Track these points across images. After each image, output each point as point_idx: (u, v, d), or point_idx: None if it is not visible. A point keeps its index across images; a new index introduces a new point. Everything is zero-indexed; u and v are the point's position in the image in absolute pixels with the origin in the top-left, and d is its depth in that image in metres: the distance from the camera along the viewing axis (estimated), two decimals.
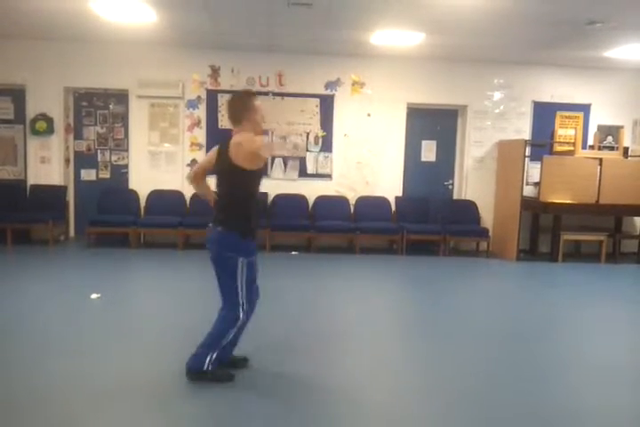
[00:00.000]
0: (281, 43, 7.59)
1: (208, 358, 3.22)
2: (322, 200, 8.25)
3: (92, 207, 7.90)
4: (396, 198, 8.42)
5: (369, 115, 8.36)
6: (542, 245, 8.37)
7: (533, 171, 8.20)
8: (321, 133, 8.31)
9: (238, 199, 3.24)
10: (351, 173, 8.41)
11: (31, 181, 8.03)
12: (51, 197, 7.89)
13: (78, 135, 8.26)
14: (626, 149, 8.32)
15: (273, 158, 8.19)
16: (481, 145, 8.55)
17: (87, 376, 3.32)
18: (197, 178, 3.45)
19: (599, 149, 8.34)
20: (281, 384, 3.32)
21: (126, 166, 8.26)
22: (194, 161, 8.12)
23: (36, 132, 7.92)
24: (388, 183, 8.42)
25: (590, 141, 8.46)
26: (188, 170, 8.07)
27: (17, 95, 7.99)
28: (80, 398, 3.04)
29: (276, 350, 3.89)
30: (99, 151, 8.28)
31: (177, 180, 8.12)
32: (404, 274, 7.07)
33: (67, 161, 8.21)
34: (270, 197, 8.14)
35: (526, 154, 7.87)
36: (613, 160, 7.88)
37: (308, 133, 8.28)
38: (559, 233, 7.80)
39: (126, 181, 8.22)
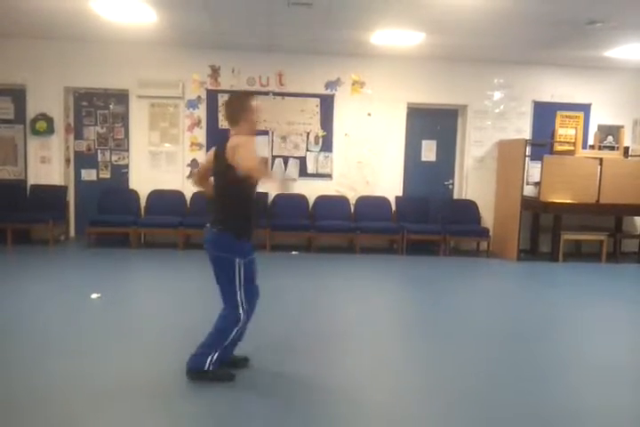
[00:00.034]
0: (281, 42, 7.59)
1: (209, 359, 3.22)
2: (322, 200, 8.25)
3: (92, 207, 7.90)
4: (397, 198, 8.42)
5: (369, 114, 8.36)
6: (543, 244, 8.37)
7: (534, 170, 8.20)
8: (321, 133, 8.31)
9: (234, 200, 3.24)
10: (351, 172, 8.41)
11: (31, 180, 8.03)
12: (51, 197, 7.89)
13: (78, 135, 8.26)
14: (626, 149, 8.32)
15: (273, 160, 8.22)
16: (481, 145, 8.55)
17: (87, 376, 3.32)
18: (202, 180, 3.50)
19: (599, 148, 8.34)
20: (281, 384, 3.32)
21: (126, 166, 8.26)
22: (194, 161, 8.14)
23: (36, 132, 7.92)
24: (389, 183, 8.42)
25: (590, 141, 8.45)
26: (188, 170, 8.15)
27: (17, 95, 7.99)
28: (80, 398, 3.04)
29: (277, 349, 3.89)
30: (99, 151, 8.28)
31: (177, 180, 8.13)
32: (405, 274, 7.06)
33: (67, 161, 8.21)
34: (270, 197, 8.14)
35: (526, 154, 7.86)
36: (614, 160, 7.88)
37: (308, 133, 8.28)
38: (559, 233, 7.80)
39: (126, 181, 8.23)
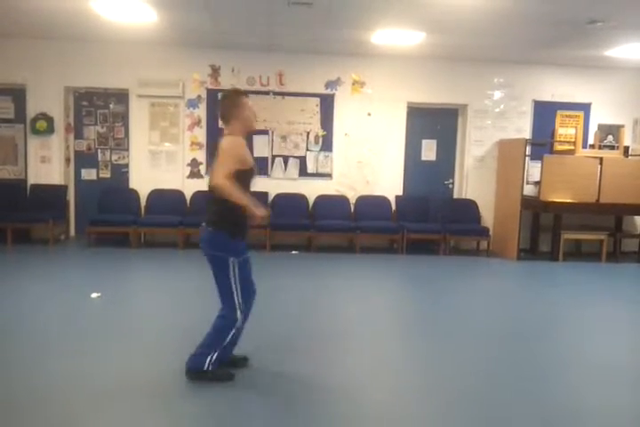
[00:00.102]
0: (281, 42, 7.59)
1: (209, 359, 3.22)
2: (322, 199, 8.25)
3: (92, 207, 7.90)
4: (397, 198, 8.42)
5: (369, 114, 8.35)
6: (543, 244, 8.37)
7: (534, 170, 8.20)
8: (321, 133, 8.30)
9: (228, 199, 3.23)
10: (351, 172, 8.41)
11: (31, 180, 8.03)
12: (51, 196, 7.89)
13: (79, 135, 8.26)
14: (626, 149, 8.32)
15: (273, 159, 8.22)
16: (481, 144, 8.54)
17: (87, 376, 3.32)
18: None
19: (599, 148, 8.34)
20: (281, 384, 3.32)
21: (127, 166, 8.26)
22: (194, 160, 8.15)
23: (36, 132, 7.92)
24: (389, 182, 8.42)
25: (591, 140, 8.45)
26: (188, 169, 8.15)
27: (17, 95, 7.99)
28: (80, 397, 3.04)
29: (276, 349, 3.89)
30: (99, 151, 8.28)
31: (177, 179, 8.14)
32: (405, 273, 7.06)
33: (67, 160, 8.21)
34: (270, 197, 8.14)
35: (527, 153, 7.86)
36: (614, 159, 7.88)
37: (308, 133, 8.28)
38: (560, 232, 7.80)
39: (127, 180, 8.22)
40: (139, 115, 8.13)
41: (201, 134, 8.17)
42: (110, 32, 7.15)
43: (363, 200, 8.32)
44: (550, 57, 7.94)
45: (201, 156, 8.12)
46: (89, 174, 8.30)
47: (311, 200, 8.26)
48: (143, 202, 8.08)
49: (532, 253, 8.34)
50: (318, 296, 5.57)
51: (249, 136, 3.50)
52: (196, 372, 3.25)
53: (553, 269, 7.50)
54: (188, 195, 8.02)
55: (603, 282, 6.78)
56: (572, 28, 6.26)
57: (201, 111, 8.15)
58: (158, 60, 8.00)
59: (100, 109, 8.24)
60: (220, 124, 3.56)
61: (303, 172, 8.31)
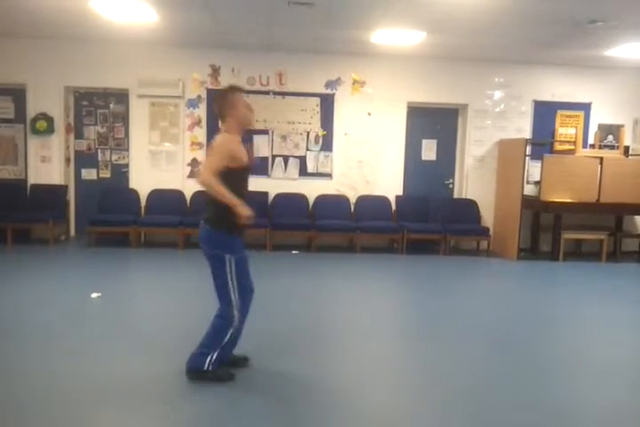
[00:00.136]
0: (281, 42, 7.59)
1: (209, 359, 3.22)
2: (322, 199, 8.25)
3: (92, 207, 7.90)
4: (397, 197, 8.42)
5: (369, 114, 8.35)
6: (543, 244, 8.37)
7: (534, 170, 8.20)
8: (321, 132, 8.30)
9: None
10: (351, 172, 8.41)
11: (31, 180, 8.03)
12: (51, 196, 7.89)
13: (79, 135, 8.26)
14: (626, 148, 8.32)
15: (273, 159, 8.22)
16: (481, 144, 8.54)
17: (87, 376, 3.32)
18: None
19: (600, 147, 8.34)
20: (281, 383, 3.32)
21: (127, 166, 8.26)
22: (194, 160, 8.15)
23: (36, 132, 7.92)
24: (389, 182, 8.42)
25: (591, 140, 8.45)
26: (188, 169, 8.15)
27: (17, 95, 7.99)
28: (80, 397, 3.04)
29: (276, 349, 3.89)
30: (99, 151, 8.28)
31: (177, 179, 8.14)
32: (405, 273, 7.06)
33: (67, 160, 8.21)
34: (271, 197, 8.14)
35: (527, 153, 7.86)
36: (614, 159, 7.88)
37: (308, 132, 8.28)
38: (560, 232, 7.80)
39: (127, 180, 8.22)
40: (139, 115, 8.13)
41: (201, 134, 8.17)
42: (110, 32, 7.15)
43: (363, 200, 8.32)
44: (550, 57, 7.94)
45: (201, 156, 8.11)
46: (89, 174, 8.31)
47: (311, 200, 8.26)
48: (143, 202, 8.08)
49: (532, 252, 8.34)
50: (318, 296, 5.57)
51: (249, 135, 3.50)
52: (196, 372, 3.25)
53: (553, 268, 7.50)
54: (188, 195, 8.02)
55: (603, 282, 6.78)
56: (572, 27, 6.26)
57: (201, 111, 8.15)
58: (158, 60, 8.00)
59: (100, 109, 8.24)
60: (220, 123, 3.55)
61: (303, 171, 8.31)
